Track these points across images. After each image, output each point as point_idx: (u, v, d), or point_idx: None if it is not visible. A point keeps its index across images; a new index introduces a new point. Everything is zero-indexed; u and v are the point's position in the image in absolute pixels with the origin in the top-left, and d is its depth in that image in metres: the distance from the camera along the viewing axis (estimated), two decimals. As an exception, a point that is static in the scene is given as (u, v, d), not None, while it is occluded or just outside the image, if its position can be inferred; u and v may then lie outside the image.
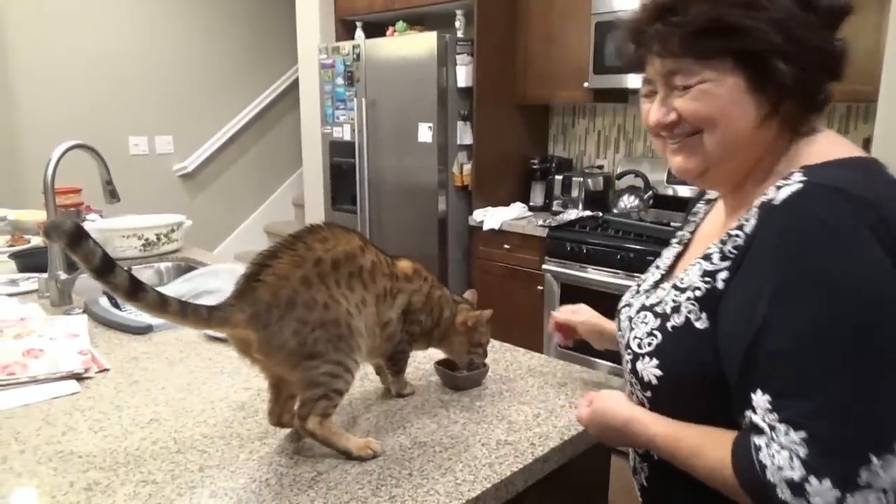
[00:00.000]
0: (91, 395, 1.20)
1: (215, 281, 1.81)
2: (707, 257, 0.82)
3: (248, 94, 4.85)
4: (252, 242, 5.05)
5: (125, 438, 1.05)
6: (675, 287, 0.85)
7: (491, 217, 3.23)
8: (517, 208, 3.34)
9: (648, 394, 0.86)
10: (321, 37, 3.93)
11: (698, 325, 0.79)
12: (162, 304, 0.89)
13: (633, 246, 2.71)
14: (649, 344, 0.84)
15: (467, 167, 3.37)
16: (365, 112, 3.57)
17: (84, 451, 1.01)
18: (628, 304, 0.99)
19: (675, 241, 1.04)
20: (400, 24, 3.63)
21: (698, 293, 0.80)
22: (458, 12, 3.43)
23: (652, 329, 0.85)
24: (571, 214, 3.14)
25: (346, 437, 0.98)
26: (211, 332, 1.49)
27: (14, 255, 2.11)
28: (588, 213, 3.17)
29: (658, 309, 0.86)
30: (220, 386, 1.25)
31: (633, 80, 2.88)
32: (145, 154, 4.39)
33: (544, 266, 2.99)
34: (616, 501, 1.45)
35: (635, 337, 0.88)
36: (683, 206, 3.05)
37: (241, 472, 0.95)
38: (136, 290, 0.87)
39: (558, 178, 3.34)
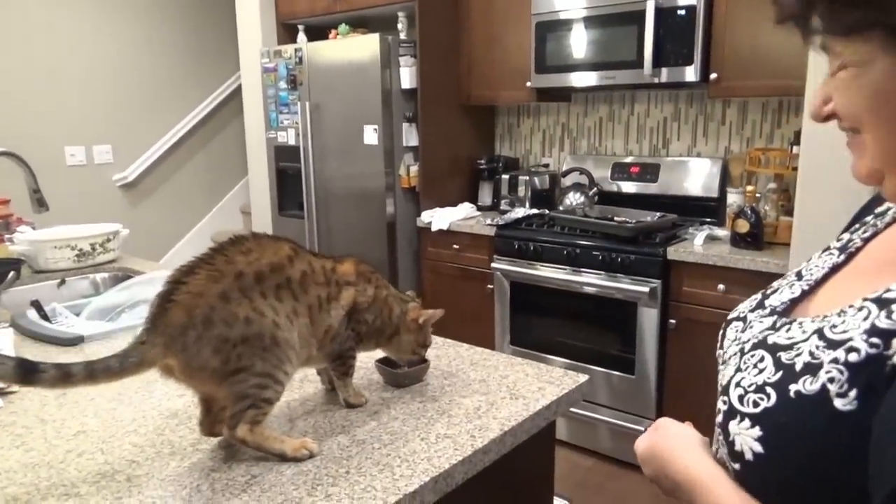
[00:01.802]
0: (14, 410, 1.15)
1: (151, 289, 1.74)
2: (883, 303, 0.55)
3: (190, 100, 4.74)
4: (199, 252, 4.93)
5: (49, 452, 1.00)
6: (820, 334, 0.59)
7: (439, 218, 3.23)
8: (465, 208, 3.35)
9: (737, 466, 0.61)
10: (263, 41, 3.87)
11: (839, 403, 0.54)
12: (66, 377, 0.83)
13: (579, 242, 2.75)
14: (755, 403, 0.60)
15: (414, 169, 3.37)
16: (309, 116, 3.53)
17: (3, 466, 0.96)
18: (741, 319, 0.74)
19: (835, 245, 0.75)
20: (342, 27, 3.61)
21: (855, 358, 0.54)
22: (401, 14, 3.43)
23: (766, 382, 0.60)
24: (519, 213, 3.17)
25: (279, 440, 0.96)
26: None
27: (-63, 271, 2.01)
28: (535, 211, 3.20)
29: (785, 356, 0.61)
30: (152, 394, 1.21)
31: (576, 79, 2.93)
32: (83, 164, 4.24)
33: (493, 265, 3.00)
34: (572, 496, 1.46)
35: (737, 384, 0.63)
36: (628, 201, 3.14)
37: (171, 480, 0.92)
38: (28, 374, 0.81)
39: (505, 177, 3.36)
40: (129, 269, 2.21)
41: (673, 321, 2.54)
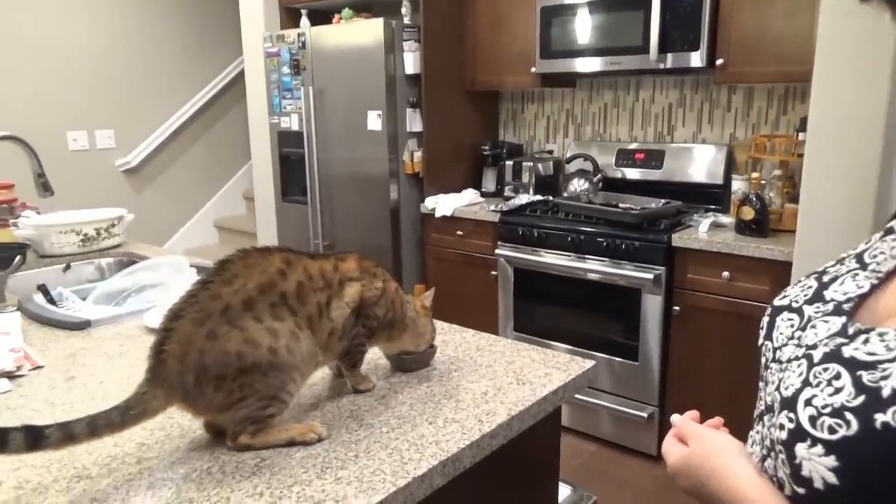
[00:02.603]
0: (23, 393, 1.16)
1: (157, 274, 1.76)
2: None
3: (193, 85, 4.73)
4: (203, 238, 4.94)
5: (59, 434, 1.01)
6: None
7: (443, 204, 3.22)
8: (469, 195, 3.34)
9: (801, 490, 0.55)
10: (266, 25, 3.85)
11: None
12: (69, 438, 0.84)
13: (583, 228, 2.74)
14: (832, 429, 0.53)
15: (418, 154, 3.36)
16: (312, 101, 3.52)
17: (14, 449, 0.96)
18: (796, 311, 0.67)
19: None
20: (346, 11, 3.58)
21: None
22: (405, -2, 3.40)
23: (845, 406, 0.53)
24: (523, 199, 3.16)
25: (284, 430, 0.96)
26: (152, 325, 1.45)
27: (-58, 255, 2.01)
28: (539, 197, 3.19)
29: (867, 377, 0.53)
30: (161, 378, 1.21)
31: (581, 65, 2.91)
32: (85, 149, 4.24)
33: (497, 251, 3.00)
34: (574, 481, 1.47)
35: (808, 401, 0.56)
36: (632, 188, 3.13)
37: (181, 462, 0.92)
38: (37, 441, 0.81)
39: (509, 163, 3.35)
40: (134, 254, 2.21)
41: (677, 308, 2.55)
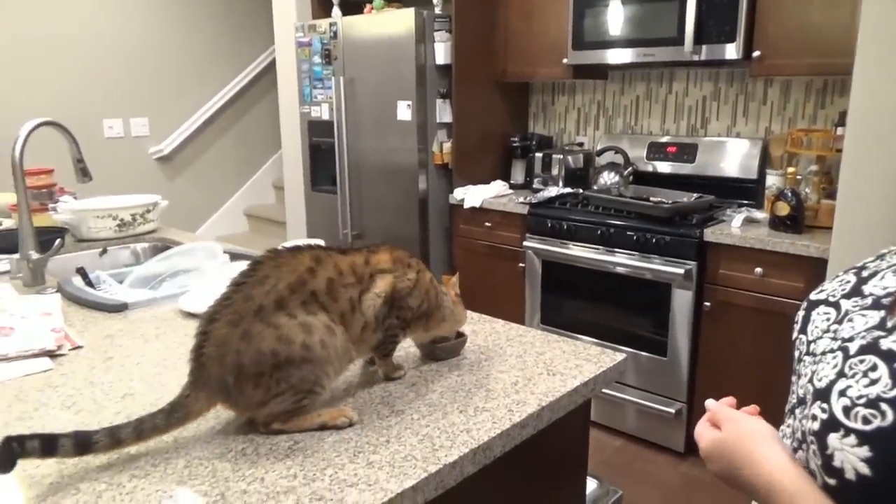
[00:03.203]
0: (64, 372, 1.19)
1: (191, 259, 1.79)
2: None
3: (225, 74, 4.78)
4: (233, 226, 5.01)
5: (98, 413, 1.03)
6: None
7: (472, 195, 3.22)
8: (498, 186, 3.33)
9: (832, 481, 0.56)
10: (297, 15, 3.87)
11: None
12: (117, 442, 0.86)
13: (613, 222, 2.72)
14: (866, 420, 0.53)
15: (447, 145, 3.35)
16: (343, 90, 3.54)
17: (56, 426, 0.99)
18: (833, 305, 0.67)
19: None
20: (377, 1, 3.58)
21: None
22: (436, -12, 3.39)
23: (880, 397, 0.53)
24: (552, 191, 3.14)
25: (316, 415, 0.97)
26: (187, 309, 1.48)
27: (-15, 237, 2.07)
28: (568, 189, 3.17)
29: None
30: (196, 361, 1.23)
31: (613, 56, 2.87)
32: (120, 137, 4.31)
33: (525, 243, 2.99)
34: (600, 475, 1.47)
35: (842, 392, 0.56)
36: (663, 182, 3.09)
37: (216, 443, 0.94)
38: (86, 447, 0.84)
39: (539, 155, 3.33)
40: (168, 240, 2.25)
41: (708, 304, 2.51)
